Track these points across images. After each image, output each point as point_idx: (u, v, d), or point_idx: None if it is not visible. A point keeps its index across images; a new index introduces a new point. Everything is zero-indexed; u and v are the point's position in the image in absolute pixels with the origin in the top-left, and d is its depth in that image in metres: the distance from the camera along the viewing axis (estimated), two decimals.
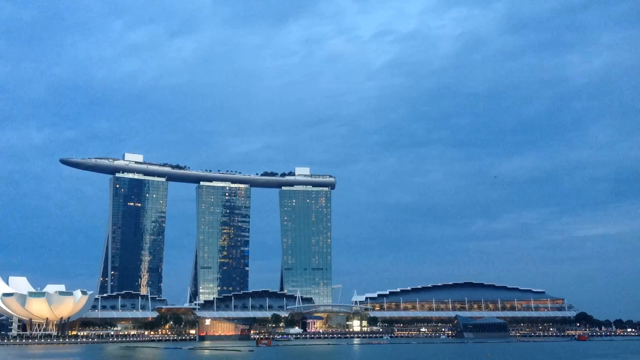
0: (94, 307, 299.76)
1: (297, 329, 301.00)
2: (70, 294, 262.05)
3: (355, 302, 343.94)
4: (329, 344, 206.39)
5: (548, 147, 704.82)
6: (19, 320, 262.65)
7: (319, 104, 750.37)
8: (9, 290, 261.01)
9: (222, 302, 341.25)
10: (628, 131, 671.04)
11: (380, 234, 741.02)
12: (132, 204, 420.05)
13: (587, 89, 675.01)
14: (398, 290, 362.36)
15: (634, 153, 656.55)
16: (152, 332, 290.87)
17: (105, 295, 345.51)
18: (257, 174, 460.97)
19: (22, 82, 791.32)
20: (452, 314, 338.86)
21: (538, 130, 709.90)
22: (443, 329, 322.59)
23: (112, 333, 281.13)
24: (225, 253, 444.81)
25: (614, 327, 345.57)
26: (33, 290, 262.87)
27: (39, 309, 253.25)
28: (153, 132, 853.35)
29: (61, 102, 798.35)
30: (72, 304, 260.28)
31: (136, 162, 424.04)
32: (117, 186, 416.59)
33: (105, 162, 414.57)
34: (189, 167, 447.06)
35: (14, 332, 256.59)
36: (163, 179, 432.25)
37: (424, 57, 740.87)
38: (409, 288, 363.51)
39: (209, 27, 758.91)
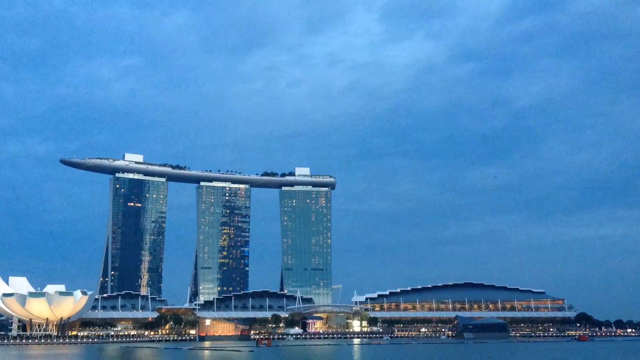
0: (94, 308, 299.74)
1: (297, 329, 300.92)
2: (70, 294, 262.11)
3: (356, 302, 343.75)
4: (329, 345, 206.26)
5: (508, 159, 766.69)
6: (19, 321, 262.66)
7: (286, 122, 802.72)
8: (9, 290, 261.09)
9: (222, 302, 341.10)
10: (580, 145, 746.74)
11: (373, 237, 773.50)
12: (132, 204, 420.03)
13: (531, 109, 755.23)
14: (398, 290, 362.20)
15: (592, 164, 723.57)
16: (152, 333, 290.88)
17: (105, 295, 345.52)
18: (257, 174, 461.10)
19: (26, 100, 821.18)
20: (452, 314, 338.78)
21: (496, 144, 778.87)
22: (443, 330, 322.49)
23: (112, 333, 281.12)
24: (225, 253, 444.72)
25: (614, 327, 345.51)
26: (33, 290, 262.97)
27: (39, 309, 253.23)
28: (153, 133, 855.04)
29: (63, 119, 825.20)
30: (72, 304, 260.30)
31: (136, 162, 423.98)
32: (117, 186, 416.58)
33: (105, 162, 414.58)
34: (189, 167, 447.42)
35: (14, 333, 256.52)
36: (163, 179, 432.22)
37: (381, 81, 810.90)
38: (409, 288, 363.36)
39: (179, 56, 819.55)
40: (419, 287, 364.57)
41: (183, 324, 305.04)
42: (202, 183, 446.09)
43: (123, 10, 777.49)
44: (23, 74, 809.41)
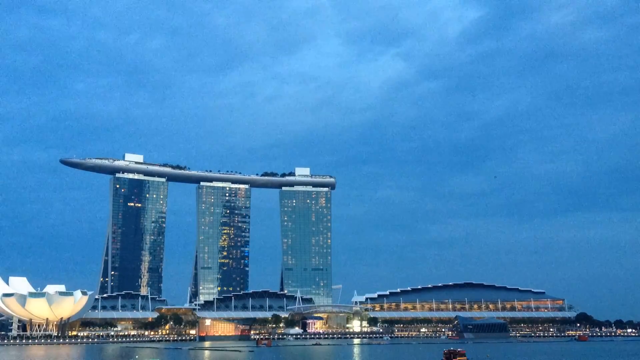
0: (94, 308, 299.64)
1: (297, 330, 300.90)
2: (70, 294, 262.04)
3: (356, 302, 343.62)
4: (329, 345, 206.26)
5: (482, 167, 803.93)
6: (19, 321, 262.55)
7: (264, 132, 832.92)
8: (9, 290, 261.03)
9: (222, 302, 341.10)
10: (549, 155, 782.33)
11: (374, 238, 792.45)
12: (132, 204, 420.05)
13: (497, 122, 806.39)
14: (398, 290, 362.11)
15: (564, 172, 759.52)
16: (152, 333, 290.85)
17: (105, 295, 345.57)
18: (257, 174, 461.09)
19: (28, 112, 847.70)
20: (452, 314, 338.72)
21: (471, 153, 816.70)
22: (443, 330, 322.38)
23: (112, 333, 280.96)
24: (225, 253, 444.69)
25: (614, 327, 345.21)
26: (33, 290, 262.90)
27: (39, 309, 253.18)
28: (153, 133, 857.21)
29: (64, 128, 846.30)
30: (72, 304, 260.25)
31: (136, 163, 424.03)
32: (117, 186, 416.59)
33: (105, 162, 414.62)
34: (189, 168, 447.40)
35: (14, 333, 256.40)
36: (163, 179, 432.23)
37: (353, 97, 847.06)
38: (409, 288, 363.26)
39: (160, 75, 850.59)
40: (419, 287, 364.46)
41: (183, 324, 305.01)
42: (202, 183, 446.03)
43: (106, 35, 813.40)
44: (25, 88, 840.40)
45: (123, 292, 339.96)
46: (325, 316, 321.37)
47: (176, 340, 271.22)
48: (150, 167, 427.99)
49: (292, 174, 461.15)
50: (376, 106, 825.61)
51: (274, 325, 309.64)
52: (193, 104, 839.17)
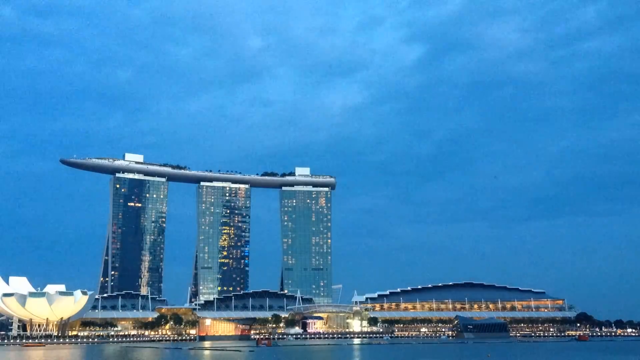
0: (94, 307, 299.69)
1: (297, 329, 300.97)
2: (71, 294, 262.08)
3: (356, 302, 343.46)
4: (329, 344, 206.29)
5: (446, 178, 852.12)
6: (20, 321, 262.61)
7: (232, 149, 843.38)
8: (9, 290, 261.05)
9: (223, 302, 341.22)
10: (509, 168, 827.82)
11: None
12: (132, 204, 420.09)
13: (450, 139, 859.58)
14: (398, 290, 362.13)
15: (526, 182, 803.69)
16: (152, 333, 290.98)
17: (105, 295, 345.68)
18: (257, 174, 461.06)
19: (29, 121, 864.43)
20: (452, 314, 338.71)
21: (440, 165, 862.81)
22: (443, 329, 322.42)
23: (113, 333, 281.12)
24: (225, 253, 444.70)
25: (614, 327, 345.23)
26: (33, 290, 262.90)
27: (39, 309, 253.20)
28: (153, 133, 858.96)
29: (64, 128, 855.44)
30: (72, 304, 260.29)
31: (136, 162, 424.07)
32: (118, 186, 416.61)
33: (105, 162, 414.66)
34: (189, 167, 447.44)
35: (15, 332, 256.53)
36: (163, 179, 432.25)
37: (317, 117, 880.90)
38: (409, 288, 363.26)
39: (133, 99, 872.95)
40: (419, 287, 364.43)
41: (183, 324, 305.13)
42: (202, 183, 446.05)
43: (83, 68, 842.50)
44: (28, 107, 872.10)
45: (123, 292, 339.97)
46: (325, 316, 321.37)
47: (176, 340, 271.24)
48: (151, 167, 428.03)
49: (292, 173, 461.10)
50: (340, 124, 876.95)
51: (274, 325, 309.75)
52: (165, 123, 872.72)
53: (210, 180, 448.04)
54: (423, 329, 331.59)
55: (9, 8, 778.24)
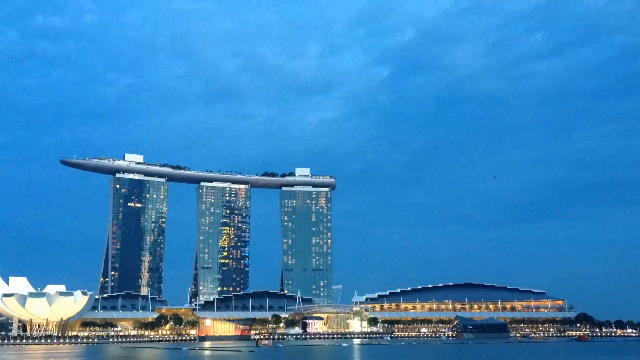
0: (94, 308, 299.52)
1: (297, 330, 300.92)
2: (71, 294, 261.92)
3: (356, 302, 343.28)
4: (329, 345, 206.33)
5: (430, 184, 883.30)
6: (20, 321, 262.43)
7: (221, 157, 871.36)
8: (9, 290, 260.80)
9: (222, 302, 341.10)
10: (481, 178, 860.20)
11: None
12: (132, 204, 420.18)
13: (423, 150, 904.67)
14: (398, 290, 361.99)
15: (502, 190, 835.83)
16: (152, 333, 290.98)
17: (105, 295, 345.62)
18: (257, 174, 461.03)
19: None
20: (452, 314, 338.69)
21: (416, 173, 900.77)
22: (443, 330, 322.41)
23: (113, 333, 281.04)
24: (225, 253, 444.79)
25: (614, 327, 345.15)
26: (33, 290, 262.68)
27: (39, 309, 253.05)
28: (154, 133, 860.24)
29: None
30: (72, 305, 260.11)
31: (136, 163, 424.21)
32: (118, 186, 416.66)
33: (105, 162, 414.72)
34: (189, 168, 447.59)
35: (14, 333, 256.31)
36: (163, 180, 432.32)
37: (295, 129, 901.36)
38: (409, 288, 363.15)
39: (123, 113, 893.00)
40: (419, 287, 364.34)
41: (183, 324, 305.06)
42: (202, 183, 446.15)
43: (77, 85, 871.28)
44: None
45: (123, 292, 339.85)
46: (325, 316, 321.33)
47: (176, 340, 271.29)
48: (151, 167, 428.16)
49: (292, 174, 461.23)
50: (318, 135, 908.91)
51: (274, 326, 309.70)
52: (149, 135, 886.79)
53: (210, 180, 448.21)
54: (423, 330, 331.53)
55: (15, 32, 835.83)
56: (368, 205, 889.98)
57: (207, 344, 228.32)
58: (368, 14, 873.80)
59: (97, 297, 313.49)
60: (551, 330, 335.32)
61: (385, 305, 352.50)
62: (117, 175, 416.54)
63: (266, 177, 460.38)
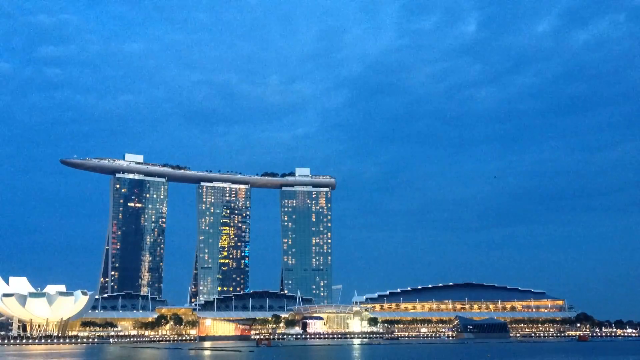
0: (95, 308, 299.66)
1: (297, 330, 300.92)
2: (71, 294, 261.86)
3: (356, 302, 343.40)
4: (329, 344, 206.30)
5: (398, 193, 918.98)
6: (20, 321, 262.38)
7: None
8: (9, 290, 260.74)
9: (223, 302, 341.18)
10: (455, 184, 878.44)
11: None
12: (132, 204, 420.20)
13: (391, 163, 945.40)
14: (398, 290, 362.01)
15: (477, 196, 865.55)
16: (152, 333, 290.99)
17: (105, 295, 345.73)
18: (257, 174, 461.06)
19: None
20: (452, 314, 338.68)
21: (385, 182, 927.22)
22: (443, 330, 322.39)
23: (113, 333, 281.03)
24: (225, 253, 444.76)
25: (614, 327, 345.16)
26: (33, 290, 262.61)
27: (39, 309, 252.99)
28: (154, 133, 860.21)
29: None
30: (72, 304, 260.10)
31: (136, 163, 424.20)
32: (118, 186, 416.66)
33: (105, 162, 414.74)
34: (189, 168, 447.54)
35: (15, 333, 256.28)
36: (163, 180, 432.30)
37: (268, 145, 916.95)
38: (409, 288, 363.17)
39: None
40: (419, 287, 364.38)
41: (183, 324, 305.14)
42: (202, 183, 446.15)
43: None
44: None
45: (123, 292, 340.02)
46: (325, 316, 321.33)
47: (176, 340, 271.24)
48: (151, 167, 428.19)
49: (292, 174, 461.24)
50: (293, 149, 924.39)
51: (274, 326, 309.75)
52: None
53: (210, 180, 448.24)
54: (423, 329, 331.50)
55: (20, 60, 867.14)
56: (347, 211, 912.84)
57: (207, 344, 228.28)
58: (317, 51, 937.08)
59: (97, 297, 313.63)
60: (551, 330, 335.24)
61: (385, 305, 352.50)
62: (117, 175, 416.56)
63: (266, 177, 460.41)
